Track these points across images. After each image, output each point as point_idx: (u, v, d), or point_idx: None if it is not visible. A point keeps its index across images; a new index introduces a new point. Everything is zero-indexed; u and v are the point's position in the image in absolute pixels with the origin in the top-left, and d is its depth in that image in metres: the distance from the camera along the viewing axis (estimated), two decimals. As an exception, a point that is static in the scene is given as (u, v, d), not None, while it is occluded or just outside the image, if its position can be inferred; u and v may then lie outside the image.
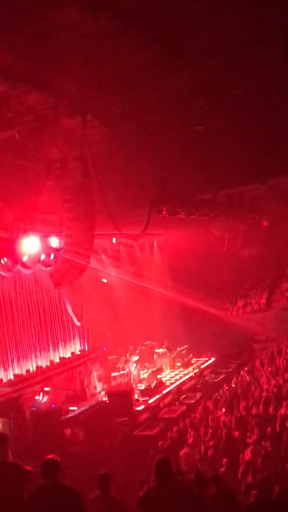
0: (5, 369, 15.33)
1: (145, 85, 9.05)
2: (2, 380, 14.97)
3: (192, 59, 8.20)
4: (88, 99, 9.48)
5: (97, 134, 10.65)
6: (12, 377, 15.33)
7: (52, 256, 12.98)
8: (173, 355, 18.64)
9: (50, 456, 4.43)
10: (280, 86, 9.54)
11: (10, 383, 14.93)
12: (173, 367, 18.20)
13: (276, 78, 9.21)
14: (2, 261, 13.01)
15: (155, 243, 22.27)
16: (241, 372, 16.69)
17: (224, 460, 8.90)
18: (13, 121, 9.88)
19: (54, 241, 12.45)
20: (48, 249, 12.75)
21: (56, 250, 12.38)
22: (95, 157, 10.32)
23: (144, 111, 10.19)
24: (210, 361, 18.90)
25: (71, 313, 18.28)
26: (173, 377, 17.19)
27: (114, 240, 18.48)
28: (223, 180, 14.15)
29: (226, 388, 14.96)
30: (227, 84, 9.28)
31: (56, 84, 8.97)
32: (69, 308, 18.19)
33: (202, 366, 18.28)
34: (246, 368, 17.21)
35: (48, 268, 13.29)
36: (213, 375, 17.63)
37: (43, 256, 13.03)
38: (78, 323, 18.60)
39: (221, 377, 17.23)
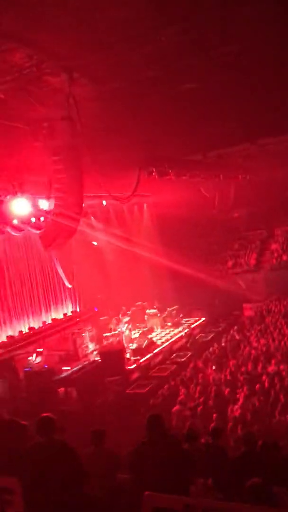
0: (-2, 331, 15.49)
1: (134, 41, 8.74)
2: (-5, 341, 15.16)
3: (183, 14, 7.90)
4: (75, 55, 9.15)
5: (84, 93, 10.35)
6: (5, 339, 15.51)
7: (42, 218, 12.89)
8: (163, 315, 18.92)
9: (45, 414, 4.55)
10: (272, 44, 9.27)
11: (3, 344, 15.12)
12: (163, 327, 18.51)
13: (269, 36, 8.93)
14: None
15: (144, 206, 22.15)
16: (231, 331, 17.03)
17: (214, 415, 9.20)
18: (-3, 79, 9.55)
19: (44, 204, 12.33)
20: (38, 212, 12.65)
21: (46, 213, 12.28)
22: (83, 116, 10.08)
23: (133, 69, 9.88)
24: (200, 321, 19.22)
25: (62, 275, 18.34)
26: (163, 336, 17.50)
27: (104, 202, 18.34)
28: (214, 140, 13.96)
29: (216, 346, 15.30)
30: (219, 40, 8.99)
31: (41, 41, 8.63)
32: (60, 270, 18.24)
33: (192, 326, 18.60)
34: (235, 327, 17.55)
35: (38, 231, 13.22)
36: (203, 335, 17.98)
37: (33, 219, 12.94)
38: (69, 285, 18.71)
39: (211, 336, 17.58)
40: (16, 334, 15.99)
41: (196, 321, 19.21)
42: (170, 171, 13.78)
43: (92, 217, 18.85)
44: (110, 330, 16.86)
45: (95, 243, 19.56)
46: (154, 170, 12.99)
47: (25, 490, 3.74)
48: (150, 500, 3.31)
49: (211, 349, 15.24)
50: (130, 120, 11.53)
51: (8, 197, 11.87)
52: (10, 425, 4.90)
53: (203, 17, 8.01)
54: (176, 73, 9.95)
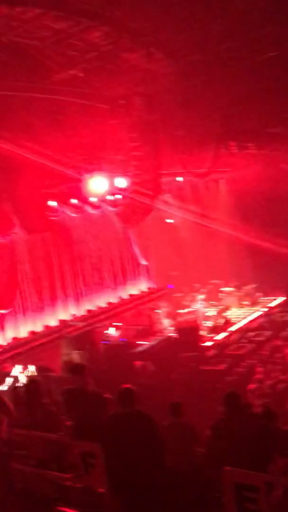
0: (78, 305, 16.12)
1: (209, 13, 8.46)
2: (75, 315, 15.81)
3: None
4: (152, 30, 9.06)
5: (161, 68, 10.26)
6: (84, 313, 16.13)
7: (118, 196, 13.08)
8: (240, 294, 18.61)
9: (126, 385, 4.71)
10: None
11: (82, 318, 15.74)
12: (240, 306, 18.23)
13: None
14: (70, 202, 13.34)
15: (222, 182, 21.66)
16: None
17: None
18: (76, 59, 9.74)
19: (121, 182, 12.48)
20: (115, 190, 12.84)
21: (123, 191, 12.44)
22: (160, 92, 10.02)
23: (211, 40, 9.60)
24: (279, 300, 18.68)
25: (137, 252, 18.60)
26: (240, 315, 17.26)
27: (180, 179, 18.17)
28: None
29: (296, 326, 14.85)
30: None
31: (118, 18, 8.64)
32: (135, 247, 18.50)
33: (271, 305, 18.14)
34: None
35: (115, 209, 13.47)
36: (282, 314, 17.46)
37: (110, 197, 13.17)
38: (145, 262, 18.94)
39: (290, 315, 17.05)
40: (95, 308, 16.56)
41: (274, 300, 18.70)
42: (249, 144, 13.30)
43: (168, 194, 18.80)
44: (184, 307, 16.91)
45: (170, 220, 19.53)
46: (233, 144, 12.60)
47: (108, 456, 3.92)
48: (232, 475, 3.33)
49: (289, 328, 14.81)
50: (207, 93, 11.26)
51: (86, 175, 12.15)
52: (94, 397, 5.13)
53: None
54: (257, 42, 9.53)
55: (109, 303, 17.05)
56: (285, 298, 18.74)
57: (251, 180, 19.25)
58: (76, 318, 15.72)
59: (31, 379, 6.36)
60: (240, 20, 8.73)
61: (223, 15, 8.71)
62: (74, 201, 13.25)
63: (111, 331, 14.54)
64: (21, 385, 9.50)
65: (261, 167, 17.76)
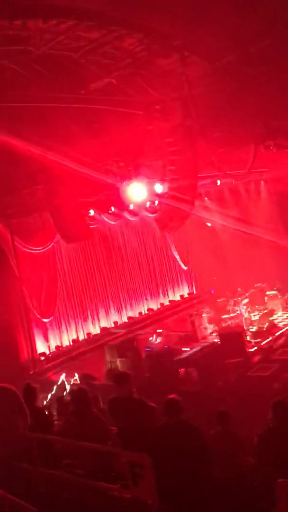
0: (119, 313, 16.17)
1: (244, 13, 8.32)
2: (117, 322, 15.85)
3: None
4: (184, 33, 9.01)
5: (196, 71, 10.18)
6: (126, 320, 16.16)
7: (156, 202, 13.03)
8: (285, 297, 18.11)
9: (172, 396, 4.63)
10: None
11: (124, 325, 15.76)
12: (285, 309, 17.73)
13: None
14: (109, 210, 13.42)
15: (262, 182, 21.24)
16: None
17: None
18: (109, 67, 9.82)
19: (159, 187, 12.42)
20: (153, 196, 12.80)
21: (160, 196, 12.38)
22: (196, 96, 9.93)
23: (245, 41, 9.45)
24: None
25: (177, 257, 18.49)
26: (285, 319, 16.78)
27: (218, 182, 17.95)
28: None
29: None
30: None
31: (149, 24, 8.64)
32: (175, 253, 18.40)
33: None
34: None
35: (154, 215, 13.43)
36: None
37: (148, 203, 13.14)
38: (185, 267, 18.80)
39: None
40: (137, 315, 16.56)
41: None
42: (288, 143, 12.98)
43: (206, 198, 18.62)
44: (228, 312, 16.62)
45: (209, 224, 19.30)
46: (271, 143, 12.32)
47: (156, 467, 3.85)
48: (285, 487, 3.17)
49: None
50: (243, 94, 11.06)
51: (124, 182, 12.18)
52: (140, 404, 5.08)
53: None
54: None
55: (151, 310, 17.01)
56: None
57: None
58: (118, 326, 15.77)
59: (79, 387, 6.36)
60: (273, 17, 8.54)
61: (255, 13, 8.55)
62: (112, 208, 13.32)
63: (154, 338, 14.47)
64: (68, 394, 9.58)
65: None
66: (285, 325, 15.93)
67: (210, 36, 9.33)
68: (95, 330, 15.05)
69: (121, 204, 12.78)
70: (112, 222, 14.40)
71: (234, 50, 9.86)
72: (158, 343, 14.20)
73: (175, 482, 4.13)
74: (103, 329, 15.12)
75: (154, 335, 14.49)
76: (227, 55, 9.98)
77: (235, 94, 11.19)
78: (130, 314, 16.46)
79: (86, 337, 14.64)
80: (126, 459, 4.18)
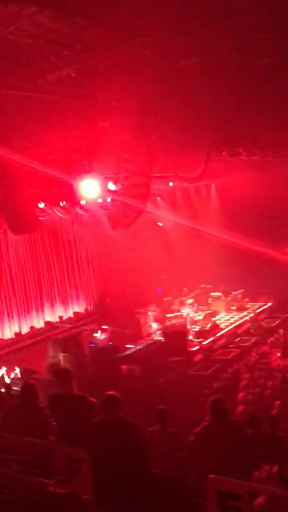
0: (65, 307, 16.03)
1: (206, 17, 8.46)
2: (62, 317, 15.70)
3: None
4: (147, 33, 9.03)
5: (155, 71, 10.23)
6: (71, 315, 16.04)
7: (110, 199, 13.02)
8: (228, 299, 18.65)
9: (110, 392, 4.66)
10: None
11: (69, 320, 15.64)
12: (228, 311, 18.26)
13: None
14: (61, 204, 13.26)
15: (212, 187, 21.73)
16: (299, 318, 16.50)
17: (277, 402, 9.00)
18: (69, 59, 9.67)
19: (112, 184, 12.41)
20: (106, 192, 12.77)
21: (113, 193, 12.37)
22: (154, 96, 9.98)
23: (205, 46, 9.60)
24: (266, 306, 18.76)
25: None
26: (228, 320, 17.29)
27: (171, 184, 18.19)
28: (288, 118, 13.33)
29: (282, 332, 14.90)
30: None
31: (113, 19, 8.59)
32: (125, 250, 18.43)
33: (258, 311, 18.20)
34: (304, 314, 16.99)
35: (106, 211, 13.41)
36: (269, 320, 17.54)
37: (101, 200, 13.10)
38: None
39: (277, 322, 17.12)
40: (83, 311, 16.47)
41: (262, 305, 18.77)
42: (241, 150, 13.34)
43: (158, 198, 18.81)
44: (173, 311, 16.90)
45: (160, 223, 19.53)
46: (224, 149, 12.63)
47: (93, 463, 3.87)
48: (214, 483, 3.29)
49: (276, 335, 14.86)
50: (201, 98, 11.26)
51: (78, 177, 12.08)
52: (80, 400, 5.07)
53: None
54: (253, 48, 9.55)
55: (97, 305, 16.97)
56: (271, 303, 18.84)
57: (241, 186, 19.34)
58: (63, 320, 15.62)
59: (26, 382, 6.26)
60: (236, 25, 8.74)
61: (219, 20, 8.72)
62: (64, 202, 13.17)
63: (98, 334, 14.46)
64: (13, 387, 9.41)
65: (252, 174, 17.85)
66: (226, 326, 16.41)
67: (173, 38, 9.42)
68: (39, 323, 14.85)
69: (73, 199, 12.67)
70: (63, 216, 14.23)
71: (195, 54, 10.00)
72: (103, 339, 14.22)
73: (112, 478, 4.17)
74: (47, 323, 14.93)
75: (99, 331, 14.50)
76: (188, 58, 10.10)
77: (193, 97, 11.36)
78: (76, 309, 16.35)
79: (29, 331, 14.40)
80: (64, 454, 4.17)
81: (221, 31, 8.94)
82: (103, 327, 14.83)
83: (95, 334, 14.51)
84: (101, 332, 14.45)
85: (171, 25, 8.51)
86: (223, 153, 12.55)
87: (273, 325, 16.75)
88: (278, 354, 12.76)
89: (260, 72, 10.30)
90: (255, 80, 10.74)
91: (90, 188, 12.32)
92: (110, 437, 4.38)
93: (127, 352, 13.97)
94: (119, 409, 4.56)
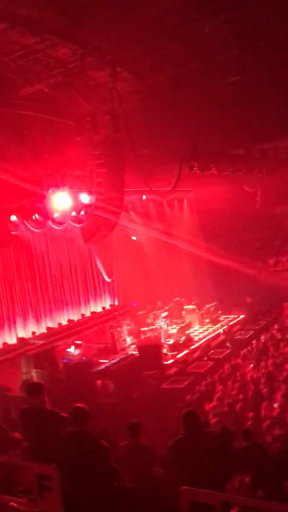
0: (38, 323, 15.81)
1: (177, 33, 8.68)
2: (35, 333, 15.48)
3: (228, 4, 7.77)
4: (118, 50, 9.19)
5: (127, 87, 10.40)
6: (45, 330, 15.83)
7: (82, 212, 13.02)
8: (202, 312, 18.77)
9: (78, 405, 4.62)
10: None
11: (43, 336, 15.43)
12: (201, 324, 18.37)
13: None
14: (33, 217, 13.17)
15: (185, 201, 22.00)
16: (271, 330, 16.71)
17: (251, 414, 9.06)
18: (41, 74, 9.75)
19: (85, 198, 12.44)
20: (79, 206, 12.78)
21: (87, 207, 12.39)
22: (126, 111, 10.12)
23: (176, 61, 9.83)
24: (239, 318, 18.96)
25: (101, 269, 18.51)
26: (201, 333, 17.37)
27: (144, 197, 18.34)
28: (257, 134, 13.65)
29: (255, 344, 15.06)
30: (263, 31, 8.80)
31: (84, 36, 8.73)
32: (99, 264, 18.42)
33: (231, 323, 18.37)
34: (276, 326, 17.21)
35: (79, 225, 13.39)
36: (242, 332, 17.72)
37: (74, 213, 13.09)
38: (108, 279, 18.87)
39: (250, 333, 17.31)
40: (56, 326, 16.29)
41: (235, 318, 18.97)
42: (212, 166, 13.58)
43: (132, 212, 18.91)
44: (148, 325, 16.89)
45: (134, 238, 19.62)
46: (195, 165, 12.84)
47: (62, 477, 3.81)
48: (188, 495, 3.30)
49: (249, 347, 15.01)
50: (172, 114, 11.46)
51: (50, 191, 12.06)
52: (52, 415, 5.00)
53: (249, 7, 7.86)
54: (220, 65, 9.83)
55: (71, 321, 16.82)
56: (244, 316, 19.07)
57: (213, 200, 19.67)
58: (36, 336, 15.40)
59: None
60: (203, 43, 8.99)
61: (188, 38, 8.95)
62: (36, 216, 13.10)
63: (72, 349, 14.32)
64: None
65: (223, 188, 18.17)
66: (200, 339, 16.49)
67: (143, 55, 9.61)
68: (11, 340, 14.58)
69: (46, 213, 12.62)
70: (36, 230, 14.13)
71: (165, 71, 10.21)
72: (76, 354, 14.09)
73: (80, 494, 4.11)
74: (20, 339, 14.69)
75: (73, 347, 14.35)
76: (158, 75, 10.31)
77: (164, 113, 11.56)
78: (50, 324, 16.15)
79: (1, 347, 14.13)
80: (34, 471, 4.10)
81: (190, 48, 9.17)
82: (76, 342, 14.70)
83: (68, 350, 14.35)
84: (75, 347, 14.31)
85: (139, 43, 8.69)
86: (195, 168, 12.74)
87: (246, 336, 16.93)
88: (251, 365, 12.87)
89: (229, 89, 10.57)
90: (225, 97, 11.01)
91: (62, 201, 12.31)
92: (76, 450, 4.33)
93: (101, 367, 13.88)
94: (86, 422, 4.52)
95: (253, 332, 17.40)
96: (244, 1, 7.74)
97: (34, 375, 12.85)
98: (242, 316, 19.10)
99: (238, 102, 11.47)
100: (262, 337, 15.95)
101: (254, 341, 15.56)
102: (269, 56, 9.64)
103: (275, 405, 9.32)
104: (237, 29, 8.59)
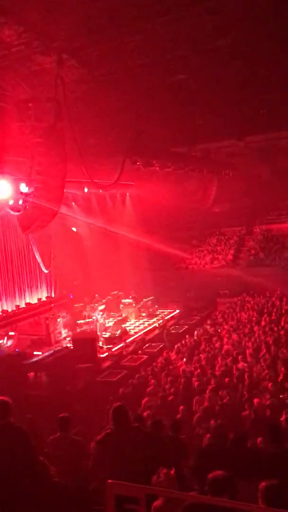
0: None
1: (127, 28, 8.63)
2: None
3: (179, 3, 7.83)
4: (66, 38, 8.99)
5: (73, 76, 10.21)
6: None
7: (21, 201, 12.67)
8: (138, 306, 18.96)
9: (1, 398, 4.52)
10: (262, 41, 9.28)
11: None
12: (138, 317, 18.55)
13: (262, 31, 8.93)
14: None
15: (127, 195, 22.05)
16: (204, 325, 17.17)
17: (181, 407, 9.28)
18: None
19: (24, 186, 12.11)
20: (17, 194, 12.42)
21: (25, 195, 12.07)
22: (71, 100, 9.94)
23: (124, 55, 9.77)
24: (174, 313, 19.34)
25: (39, 260, 18.18)
26: (137, 326, 17.55)
27: (86, 189, 18.17)
28: (200, 135, 13.96)
29: (188, 339, 15.41)
30: (210, 33, 8.95)
31: (31, 19, 8.45)
32: (37, 255, 18.07)
33: (167, 318, 18.70)
34: (209, 321, 17.71)
35: (17, 213, 13.02)
36: (177, 326, 18.11)
37: (11, 201, 12.71)
38: (46, 270, 18.56)
39: (184, 328, 17.72)
40: (-11, 316, 15.82)
41: (170, 312, 19.32)
42: (154, 162, 13.70)
43: (73, 203, 18.69)
44: (84, 317, 16.82)
45: (74, 229, 19.41)
46: (138, 159, 12.90)
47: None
48: (113, 488, 3.32)
49: (183, 341, 15.35)
50: (117, 107, 11.43)
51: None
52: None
53: (198, 7, 7.95)
54: (167, 63, 9.91)
55: (4, 311, 16.39)
56: (179, 311, 19.48)
57: (154, 196, 19.87)
58: None
59: None
60: (152, 40, 9.00)
61: (138, 33, 8.92)
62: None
63: (5, 340, 13.97)
64: None
65: (164, 184, 18.40)
66: (136, 333, 16.66)
67: (91, 45, 9.46)
68: None
69: (-18, 199, 12.17)
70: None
71: (113, 63, 10.13)
72: (9, 346, 13.76)
73: (4, 487, 4.02)
74: None
75: (5, 338, 14.01)
76: (105, 66, 10.20)
77: (110, 106, 11.50)
78: (-18, 314, 15.66)
79: None
80: None
81: (138, 43, 9.15)
82: (10, 333, 14.35)
83: (0, 341, 13.99)
84: (7, 338, 13.97)
85: (88, 32, 8.55)
86: (138, 163, 12.80)
87: (181, 331, 17.29)
88: (184, 359, 13.16)
89: (173, 87, 10.68)
90: (170, 95, 11.12)
91: (1, 189, 11.93)
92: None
93: (35, 359, 13.66)
94: (9, 414, 4.43)
95: (187, 326, 17.81)
96: (194, 3, 7.83)
97: None
98: (177, 311, 19.50)
99: (182, 101, 11.64)
100: (196, 332, 16.36)
101: (187, 336, 15.92)
102: (214, 59, 9.83)
103: (204, 398, 9.56)
104: (186, 29, 8.67)
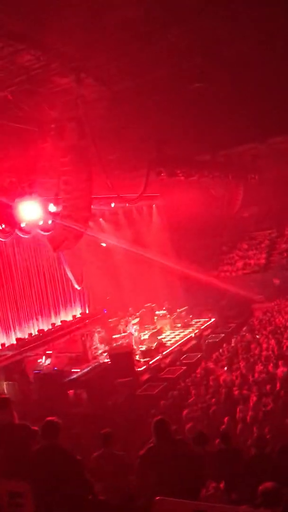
0: (7, 334, 15.52)
1: (142, 41, 8.72)
2: (4, 344, 15.18)
3: (192, 13, 7.86)
4: (83, 56, 9.15)
5: (93, 94, 10.36)
6: (14, 341, 15.54)
7: (50, 221, 12.87)
8: (173, 317, 18.82)
9: (50, 418, 4.52)
10: (279, 43, 9.20)
11: (12, 347, 15.14)
12: (173, 328, 18.41)
13: (276, 35, 8.86)
14: (0, 227, 12.94)
15: (153, 207, 22.09)
16: (241, 332, 16.87)
17: (226, 418, 9.08)
18: (4, 81, 9.60)
19: (53, 206, 12.30)
20: (46, 214, 12.62)
21: (54, 215, 12.25)
22: (92, 117, 10.08)
23: (141, 69, 9.87)
24: (210, 322, 19.10)
25: (71, 277, 18.35)
26: (173, 338, 17.41)
27: (112, 204, 18.31)
28: (222, 140, 13.87)
29: (226, 347, 15.17)
30: (225, 40, 8.95)
31: (48, 42, 8.65)
32: (68, 272, 18.25)
33: (202, 327, 18.49)
34: (245, 328, 17.40)
35: (47, 233, 13.23)
36: (213, 335, 17.85)
37: (41, 222, 12.92)
38: (78, 287, 18.71)
39: (221, 336, 17.45)
40: (26, 336, 16.01)
41: (206, 322, 19.09)
42: (178, 171, 13.69)
43: (100, 219, 18.84)
44: (119, 332, 16.81)
45: (104, 244, 19.54)
46: (162, 170, 12.91)
47: (34, 494, 3.71)
48: (160, 505, 3.25)
49: (221, 350, 15.10)
50: (138, 120, 11.50)
51: (17, 199, 11.88)
52: (21, 430, 4.87)
53: (211, 16, 7.96)
54: (184, 72, 9.92)
55: (41, 331, 16.58)
56: (214, 319, 19.23)
57: (181, 206, 19.83)
58: (5, 347, 15.10)
59: None
60: (167, 51, 9.05)
61: (152, 46, 8.99)
62: (3, 225, 12.86)
63: (43, 359, 14.09)
64: None
65: (190, 193, 18.35)
66: (172, 344, 16.51)
67: (107, 62, 9.60)
68: (-20, 352, 14.26)
69: (13, 222, 12.40)
70: (3, 239, 13.88)
71: (131, 78, 10.23)
72: (47, 365, 13.87)
73: (54, 509, 4.00)
74: (-12, 351, 14.38)
75: (44, 357, 14.14)
76: (124, 81, 10.32)
77: (130, 119, 11.59)
78: (19, 335, 15.87)
79: None
80: (4, 488, 3.97)
81: (154, 56, 9.21)
82: (47, 352, 14.48)
83: (39, 360, 14.12)
84: (46, 357, 14.09)
85: (103, 50, 8.67)
86: (162, 174, 12.81)
87: (218, 340, 17.04)
88: (224, 368, 12.94)
89: (194, 96, 10.68)
90: (189, 104, 11.13)
91: (30, 210, 12.13)
92: (47, 465, 4.22)
93: (73, 376, 13.70)
94: (57, 435, 4.42)
95: (224, 335, 17.53)
96: (206, 12, 7.83)
97: (5, 387, 12.57)
98: (212, 320, 19.25)
99: (202, 109, 11.62)
100: (233, 339, 16.09)
101: (225, 344, 15.67)
102: (230, 65, 9.81)
103: (248, 407, 9.35)
104: (200, 38, 8.69)
